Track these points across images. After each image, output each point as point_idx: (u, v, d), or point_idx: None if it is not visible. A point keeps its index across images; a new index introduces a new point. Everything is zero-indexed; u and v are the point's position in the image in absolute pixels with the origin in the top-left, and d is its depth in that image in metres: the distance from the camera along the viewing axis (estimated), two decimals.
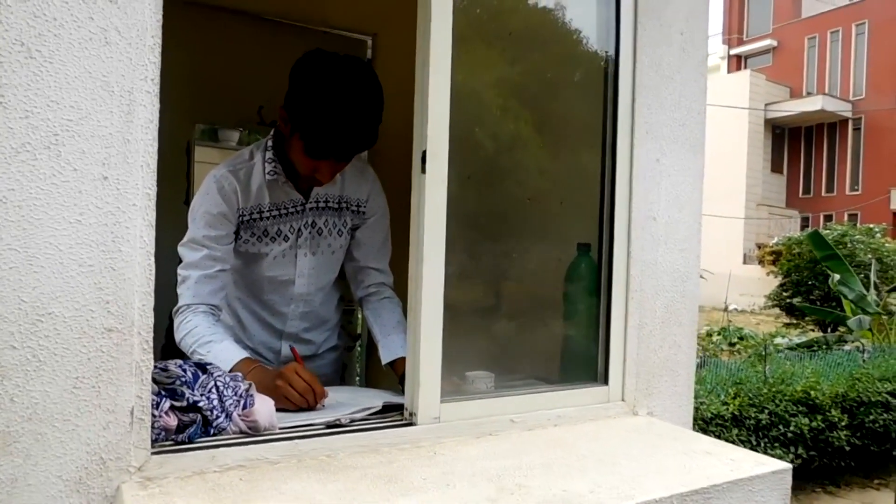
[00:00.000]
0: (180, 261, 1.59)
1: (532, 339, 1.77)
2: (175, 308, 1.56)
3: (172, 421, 1.11)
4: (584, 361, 1.60)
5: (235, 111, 2.67)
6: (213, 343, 1.48)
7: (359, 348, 2.92)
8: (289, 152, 1.61)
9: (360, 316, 2.87)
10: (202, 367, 1.22)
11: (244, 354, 1.48)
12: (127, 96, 1.00)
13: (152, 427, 1.07)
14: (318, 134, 1.48)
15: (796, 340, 7.60)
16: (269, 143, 1.66)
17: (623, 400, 1.55)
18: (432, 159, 1.26)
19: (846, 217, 20.56)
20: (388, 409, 1.35)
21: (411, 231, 1.30)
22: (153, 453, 1.05)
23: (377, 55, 2.76)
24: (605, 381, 1.54)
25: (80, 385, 0.97)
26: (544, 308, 1.79)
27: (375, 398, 1.44)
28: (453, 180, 1.41)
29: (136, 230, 1.01)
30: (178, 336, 1.53)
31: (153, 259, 1.04)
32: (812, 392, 4.76)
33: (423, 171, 1.26)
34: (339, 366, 1.94)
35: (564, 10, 1.68)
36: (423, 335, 1.26)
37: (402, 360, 1.64)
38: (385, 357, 1.67)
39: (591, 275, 1.61)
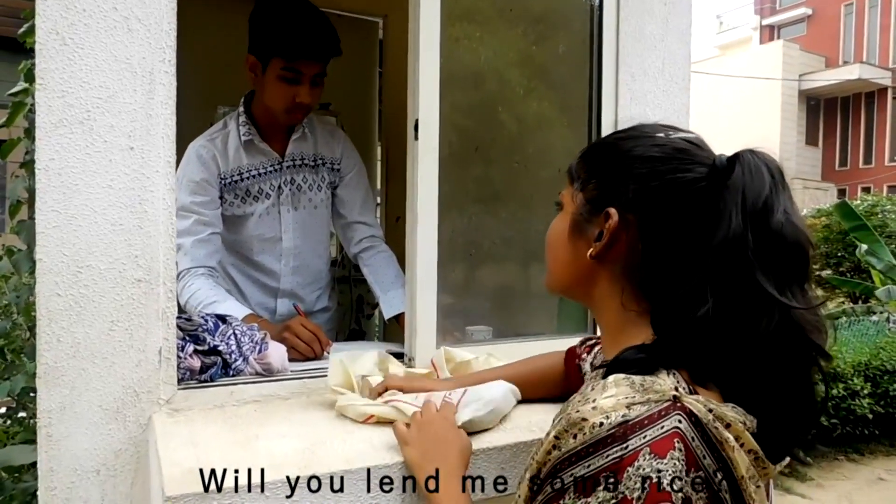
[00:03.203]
0: None
1: (533, 297, 1.89)
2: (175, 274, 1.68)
3: (196, 363, 1.26)
4: (575, 316, 1.72)
5: None
6: (217, 303, 1.59)
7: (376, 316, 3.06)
8: (265, 99, 1.73)
9: None
10: (222, 318, 1.37)
11: (248, 311, 1.61)
12: (148, 76, 1.15)
13: (178, 368, 1.22)
14: (293, 34, 1.63)
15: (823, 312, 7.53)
16: (241, 109, 1.79)
17: None
18: (424, 127, 1.38)
19: (885, 189, 20.07)
20: (391, 355, 1.49)
21: (407, 194, 1.42)
22: (179, 389, 1.20)
23: (387, 36, 2.87)
24: (595, 331, 1.65)
25: (114, 328, 1.13)
26: (545, 268, 1.90)
27: (380, 348, 1.58)
28: (458, 152, 1.54)
29: (160, 193, 1.16)
30: (182, 300, 1.63)
31: (175, 219, 1.18)
32: (833, 360, 4.78)
33: (416, 138, 1.38)
34: (333, 325, 2.07)
35: None
36: (418, 287, 1.38)
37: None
38: (388, 312, 1.80)
39: None
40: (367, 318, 2.99)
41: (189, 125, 2.39)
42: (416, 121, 1.38)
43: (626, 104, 1.64)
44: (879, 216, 8.81)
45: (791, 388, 0.70)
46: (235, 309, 1.60)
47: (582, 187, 0.84)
